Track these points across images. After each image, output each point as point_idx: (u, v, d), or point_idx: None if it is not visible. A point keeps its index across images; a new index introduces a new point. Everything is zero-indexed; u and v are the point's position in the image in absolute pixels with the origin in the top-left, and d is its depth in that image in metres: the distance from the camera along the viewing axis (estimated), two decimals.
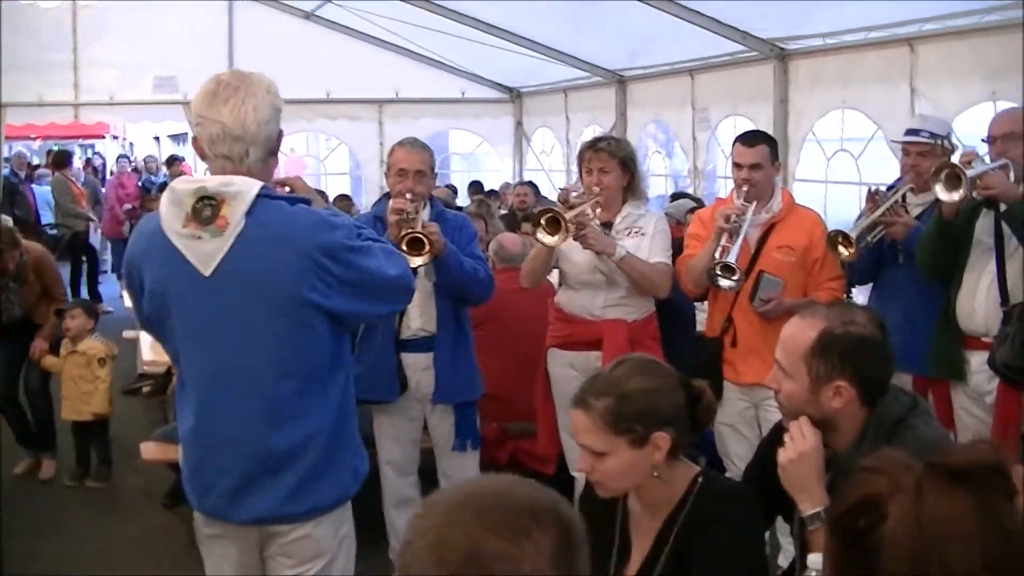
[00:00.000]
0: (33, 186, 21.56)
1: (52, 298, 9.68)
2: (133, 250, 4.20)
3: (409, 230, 5.93)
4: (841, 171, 11.35)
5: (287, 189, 4.32)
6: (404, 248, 5.80)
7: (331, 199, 14.88)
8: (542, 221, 6.25)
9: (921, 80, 9.56)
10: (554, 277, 7.32)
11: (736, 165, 6.49)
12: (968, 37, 9.09)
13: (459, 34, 14.67)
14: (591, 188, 6.50)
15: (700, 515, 3.54)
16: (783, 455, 3.55)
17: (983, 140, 6.11)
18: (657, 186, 16.08)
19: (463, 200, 16.63)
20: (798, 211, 6.70)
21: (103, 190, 21.22)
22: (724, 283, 6.28)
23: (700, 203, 10.44)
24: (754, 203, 6.37)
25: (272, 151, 4.06)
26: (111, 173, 25.82)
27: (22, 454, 9.81)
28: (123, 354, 10.45)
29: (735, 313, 6.49)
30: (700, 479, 3.62)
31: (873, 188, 6.67)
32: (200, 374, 4.09)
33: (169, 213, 3.94)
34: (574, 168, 8.81)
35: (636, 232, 6.60)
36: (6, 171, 18.94)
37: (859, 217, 6.69)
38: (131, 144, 35.42)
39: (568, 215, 6.19)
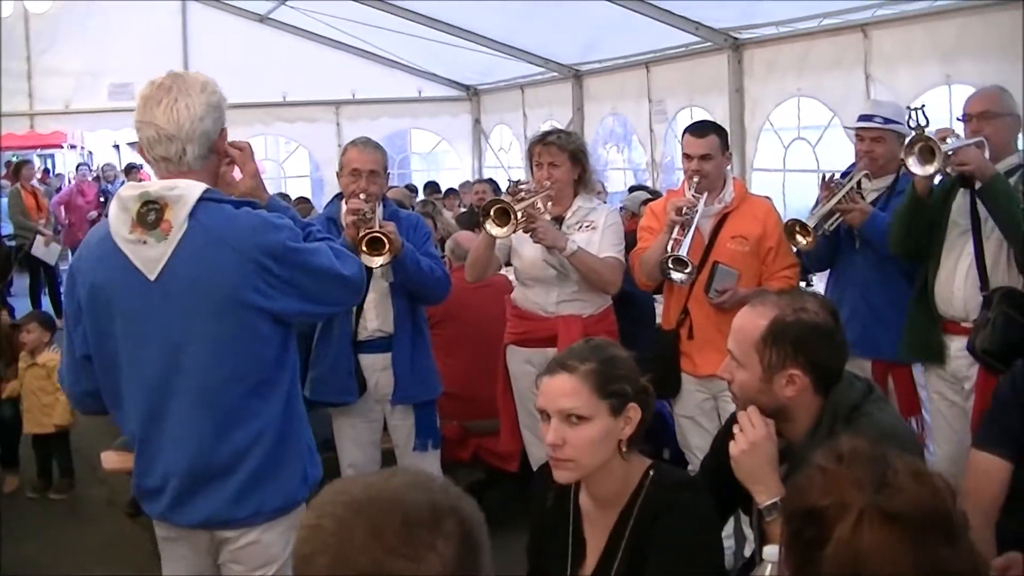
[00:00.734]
0: None
1: None
2: (80, 257, 4.16)
3: (368, 230, 5.86)
4: (799, 159, 11.32)
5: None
6: (364, 248, 5.77)
7: (292, 201, 14.81)
8: (491, 212, 6.15)
9: (876, 66, 9.54)
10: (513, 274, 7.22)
11: (686, 156, 6.43)
12: (921, 21, 9.06)
13: (415, 33, 14.60)
14: (542, 182, 6.41)
15: (653, 507, 3.47)
16: (734, 447, 3.51)
17: (958, 119, 6.05)
18: (616, 180, 16.10)
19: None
20: (750, 200, 6.67)
21: (52, 200, 20.84)
22: (676, 276, 6.23)
23: (656, 195, 10.38)
24: (705, 194, 6.32)
25: (213, 148, 4.01)
26: (69, 181, 25.52)
27: None
28: None
29: (691, 305, 6.43)
30: (652, 472, 3.55)
31: (827, 175, 6.59)
32: (145, 379, 4.01)
33: (117, 220, 3.91)
34: None
35: (587, 226, 6.51)
36: None
37: (815, 205, 6.61)
38: (90, 153, 35.12)
39: (518, 207, 6.08)
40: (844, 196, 6.32)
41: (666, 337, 6.57)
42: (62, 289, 7.02)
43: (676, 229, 6.22)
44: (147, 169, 20.27)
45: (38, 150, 32.04)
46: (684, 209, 6.22)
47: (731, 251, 6.35)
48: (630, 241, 6.84)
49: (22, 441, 9.64)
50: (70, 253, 19.65)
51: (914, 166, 5.66)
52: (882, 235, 6.24)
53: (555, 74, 15.47)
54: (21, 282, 18.15)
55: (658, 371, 6.29)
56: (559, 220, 6.48)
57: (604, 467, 3.48)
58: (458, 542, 1.88)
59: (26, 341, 9.33)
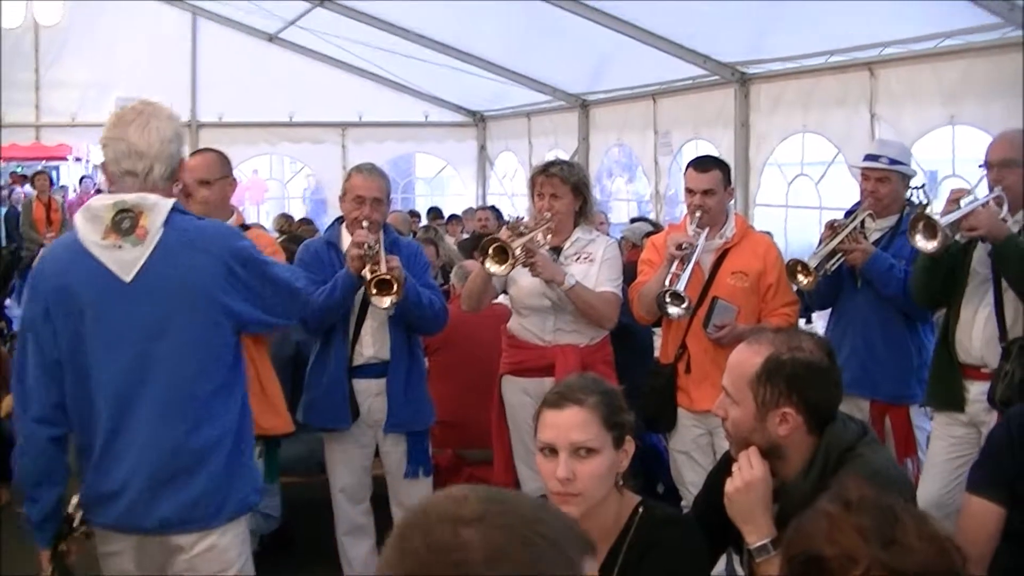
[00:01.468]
0: None
1: None
2: (43, 265, 4.28)
3: (376, 270, 5.88)
4: (801, 195, 11.31)
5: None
6: (373, 291, 5.86)
7: (294, 222, 14.78)
8: (489, 250, 6.12)
9: (881, 104, 9.56)
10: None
11: (689, 191, 6.39)
12: (927, 61, 9.11)
13: (423, 57, 14.60)
14: (542, 213, 6.36)
15: (643, 543, 3.43)
16: (730, 484, 3.47)
17: (980, 166, 5.93)
18: (620, 210, 16.06)
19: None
20: (751, 236, 6.62)
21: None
22: (673, 311, 6.16)
23: (658, 227, 10.38)
24: (707, 229, 6.29)
25: (174, 173, 4.20)
26: (73, 193, 25.48)
27: None
28: None
29: (689, 339, 6.37)
30: (641, 508, 3.52)
31: (832, 220, 6.57)
32: (113, 380, 4.09)
33: (86, 228, 4.05)
34: None
35: (585, 258, 6.45)
36: None
37: (818, 245, 6.58)
38: (95, 166, 35.06)
39: (516, 243, 6.06)
40: (847, 236, 6.30)
41: (663, 371, 6.51)
42: None
43: (675, 264, 6.19)
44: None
45: (43, 162, 32.01)
46: (684, 244, 6.18)
47: (730, 286, 6.30)
48: (630, 272, 6.81)
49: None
50: None
51: (919, 242, 5.65)
52: (883, 275, 6.24)
53: (562, 103, 15.47)
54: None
55: (654, 405, 6.39)
56: (557, 250, 6.44)
57: (602, 501, 3.44)
58: None
59: None
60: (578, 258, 6.43)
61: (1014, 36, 8.05)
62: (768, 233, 7.93)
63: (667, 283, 6.14)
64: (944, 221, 5.54)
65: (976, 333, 5.76)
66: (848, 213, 6.66)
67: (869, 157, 6.52)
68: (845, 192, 10.07)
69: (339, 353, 6.26)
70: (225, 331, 4.16)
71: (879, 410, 6.31)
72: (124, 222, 3.99)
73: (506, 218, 14.09)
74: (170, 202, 4.07)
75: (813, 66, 10.38)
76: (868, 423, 6.12)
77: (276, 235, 12.00)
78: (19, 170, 26.33)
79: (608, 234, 12.86)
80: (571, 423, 3.37)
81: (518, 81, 14.94)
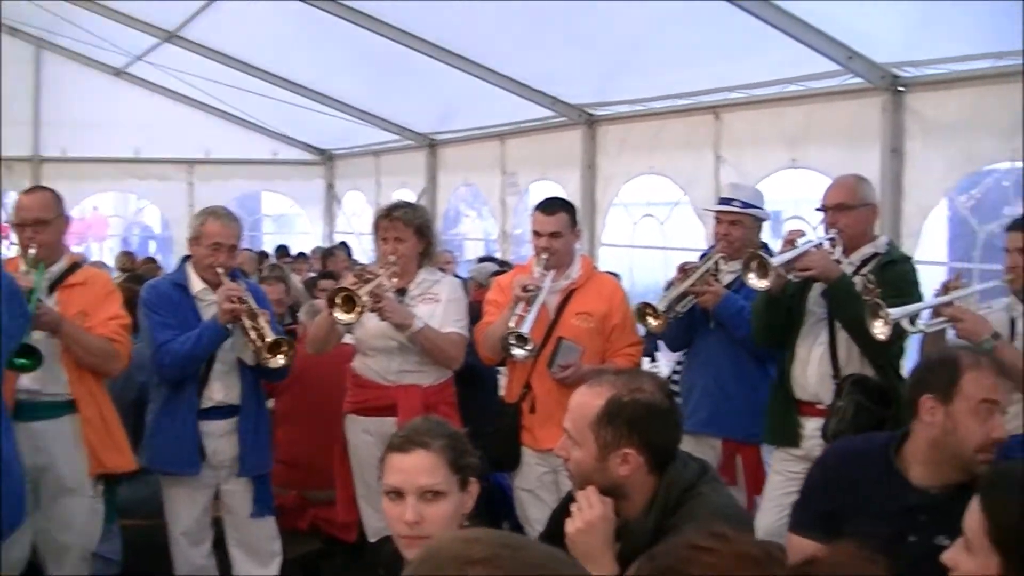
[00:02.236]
0: None
1: None
2: None
3: (258, 327, 6.02)
4: (647, 236, 11.32)
5: None
6: (268, 355, 6.02)
7: (137, 260, 14.40)
8: (336, 300, 6.07)
9: (725, 147, 9.65)
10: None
11: (536, 233, 6.39)
12: (770, 106, 9.23)
13: (271, 95, 14.40)
14: (387, 256, 6.35)
15: None
16: (570, 525, 3.46)
17: (816, 209, 6.08)
18: (469, 249, 15.98)
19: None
20: (597, 278, 6.66)
21: None
22: (517, 352, 6.16)
23: (505, 266, 10.31)
24: (553, 270, 6.30)
25: None
26: None
27: None
28: None
29: (533, 379, 6.35)
30: None
31: (685, 263, 6.62)
32: None
33: None
34: None
35: (431, 298, 6.45)
36: None
37: (668, 287, 6.60)
38: None
39: (363, 291, 6.02)
40: (699, 278, 6.35)
41: (508, 410, 6.47)
42: None
43: (520, 305, 6.17)
44: None
45: None
46: (530, 287, 6.15)
47: (575, 327, 6.30)
48: (476, 311, 6.77)
49: None
50: None
51: (753, 280, 5.74)
52: (734, 317, 6.29)
53: (410, 142, 15.37)
54: None
55: (499, 444, 6.33)
56: (403, 292, 6.41)
57: None
58: None
59: None
60: (423, 299, 6.43)
61: (853, 83, 8.22)
62: (615, 275, 7.91)
63: (512, 325, 6.12)
64: (778, 261, 5.64)
65: (811, 370, 5.87)
66: (703, 256, 6.70)
67: (722, 200, 6.58)
68: (690, 233, 10.14)
69: (190, 398, 6.20)
70: None
71: (731, 448, 6.38)
72: None
73: (355, 256, 14.01)
74: None
75: (659, 109, 10.42)
76: (719, 461, 6.22)
77: (118, 274, 11.67)
78: None
79: (456, 274, 12.90)
80: (418, 467, 3.35)
81: (367, 120, 14.81)
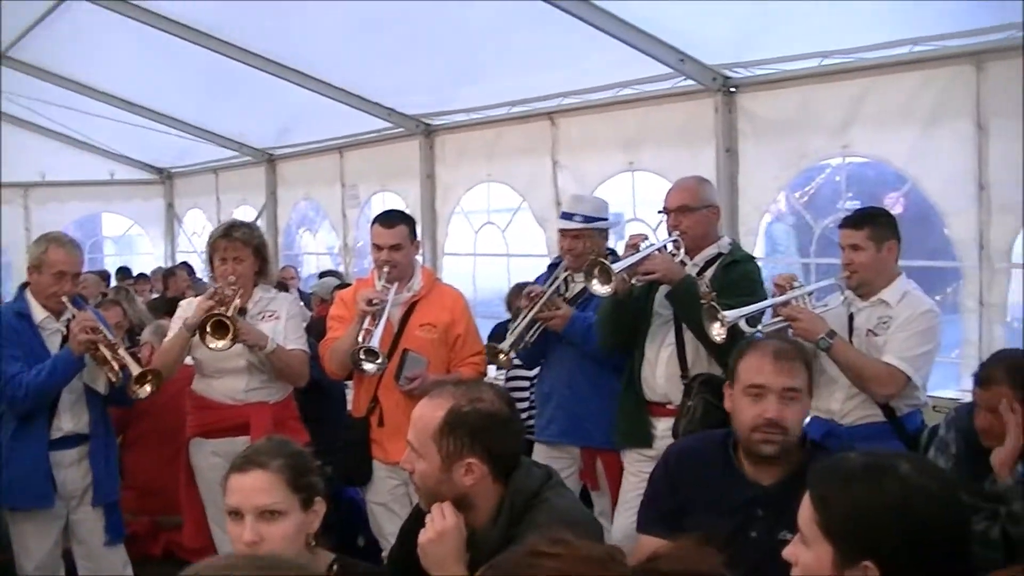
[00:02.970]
0: None
1: None
2: None
3: (119, 358, 5.89)
4: (489, 243, 11.22)
5: None
6: (136, 387, 5.89)
7: None
8: (208, 328, 6.01)
9: (563, 152, 9.63)
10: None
11: (376, 247, 6.29)
12: (605, 111, 9.20)
13: (107, 115, 13.91)
14: (226, 277, 6.23)
15: None
16: (423, 536, 3.44)
17: (659, 212, 6.05)
18: (310, 264, 15.70)
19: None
20: (439, 289, 6.62)
21: None
22: (368, 367, 6.05)
23: (346, 281, 10.10)
24: (395, 283, 6.20)
25: None
26: None
27: None
28: None
29: (380, 392, 6.24)
30: (335, 566, 3.48)
31: (530, 290, 6.47)
32: None
33: None
34: None
35: (270, 316, 6.39)
36: None
37: (516, 319, 6.48)
38: None
39: (229, 315, 6.00)
40: (544, 304, 6.27)
41: (357, 424, 6.36)
42: None
43: (367, 320, 6.06)
44: None
45: None
46: (374, 300, 6.05)
47: (420, 338, 6.24)
48: (320, 327, 6.71)
49: None
50: None
51: (595, 287, 5.66)
52: (584, 335, 6.23)
53: (249, 158, 15.05)
54: None
55: (349, 459, 6.25)
56: (242, 311, 6.28)
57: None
58: None
59: None
60: (263, 317, 6.39)
61: (686, 85, 8.23)
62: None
63: (360, 340, 6.03)
64: (621, 266, 5.59)
65: (659, 371, 5.85)
66: (550, 267, 6.66)
67: (565, 215, 6.47)
68: (531, 239, 10.05)
69: (39, 431, 6.02)
70: None
71: (590, 455, 6.35)
72: None
73: (199, 276, 13.62)
74: None
75: (496, 117, 10.37)
76: (580, 468, 6.22)
77: None
78: None
79: (299, 288, 12.63)
80: (255, 487, 3.32)
81: (204, 137, 14.45)
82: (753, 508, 3.86)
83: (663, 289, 5.73)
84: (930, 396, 5.87)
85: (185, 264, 14.91)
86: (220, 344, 6.00)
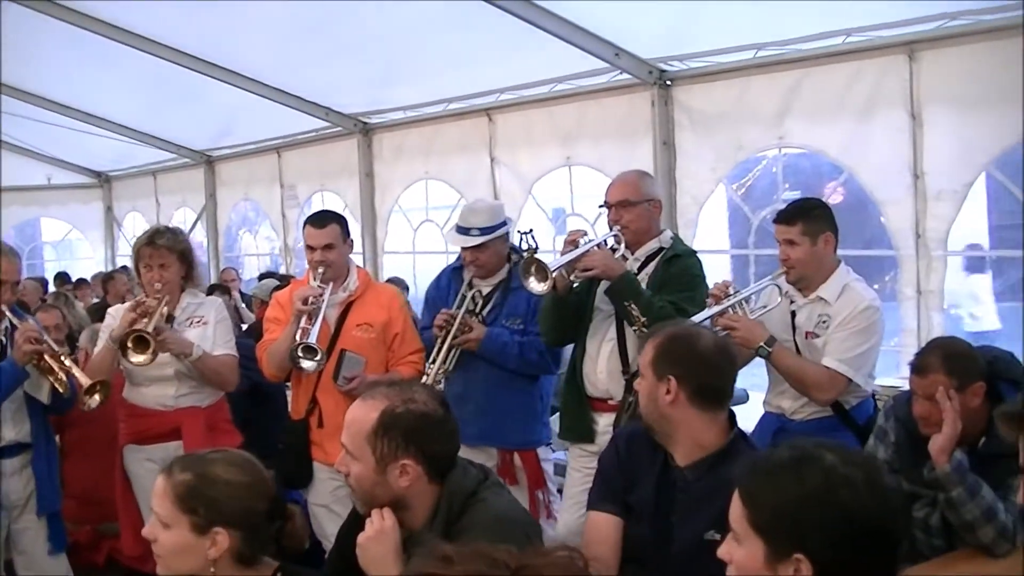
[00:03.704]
0: None
1: None
2: None
3: (65, 367, 5.79)
4: (428, 241, 11.14)
5: None
6: (86, 397, 5.78)
7: None
8: (129, 343, 5.93)
9: (500, 148, 9.60)
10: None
11: (309, 247, 6.25)
12: (542, 106, 9.18)
13: (42, 119, 13.69)
14: (152, 284, 6.16)
15: None
16: (362, 536, 3.42)
17: (599, 207, 5.99)
18: (251, 265, 15.57)
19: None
20: (375, 288, 6.63)
21: None
22: (306, 364, 5.99)
23: (288, 281, 10.03)
24: (331, 283, 6.15)
25: None
26: None
27: None
28: None
29: (319, 394, 6.19)
30: (279, 574, 3.38)
31: (441, 318, 6.29)
32: None
33: None
34: None
35: (198, 321, 6.30)
36: None
37: (434, 351, 6.34)
38: None
39: (150, 328, 5.92)
40: (458, 327, 6.20)
41: (296, 427, 6.29)
42: None
43: (304, 318, 6.01)
44: None
45: None
46: (310, 299, 6.00)
47: (357, 338, 6.20)
48: (259, 330, 6.67)
49: None
50: None
51: (532, 285, 5.58)
52: (500, 352, 6.20)
53: (187, 160, 14.90)
54: None
55: (290, 462, 6.16)
56: (170, 318, 6.21)
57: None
58: None
59: None
60: (191, 323, 6.30)
61: (622, 79, 8.21)
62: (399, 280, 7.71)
63: (298, 337, 5.97)
64: (560, 262, 5.53)
65: (601, 367, 5.79)
66: (454, 269, 6.61)
67: (460, 230, 6.35)
68: None
69: None
70: None
71: (507, 451, 6.30)
72: None
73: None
74: None
75: (433, 114, 10.34)
76: (497, 466, 6.15)
77: None
78: None
79: (241, 291, 12.49)
80: (156, 490, 3.30)
81: (142, 140, 14.30)
82: (675, 492, 3.87)
83: (604, 284, 5.68)
84: None
85: (125, 268, 14.68)
86: (141, 359, 5.92)
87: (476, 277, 6.35)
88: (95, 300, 13.20)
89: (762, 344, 5.16)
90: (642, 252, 5.76)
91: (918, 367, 4.42)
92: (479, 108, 9.69)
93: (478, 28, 8.12)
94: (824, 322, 5.30)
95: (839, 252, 5.43)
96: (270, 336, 6.28)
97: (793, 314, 5.43)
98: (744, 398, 7.38)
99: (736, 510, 2.54)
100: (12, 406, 5.88)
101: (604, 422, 5.77)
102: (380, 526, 3.40)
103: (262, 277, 11.86)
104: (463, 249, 6.35)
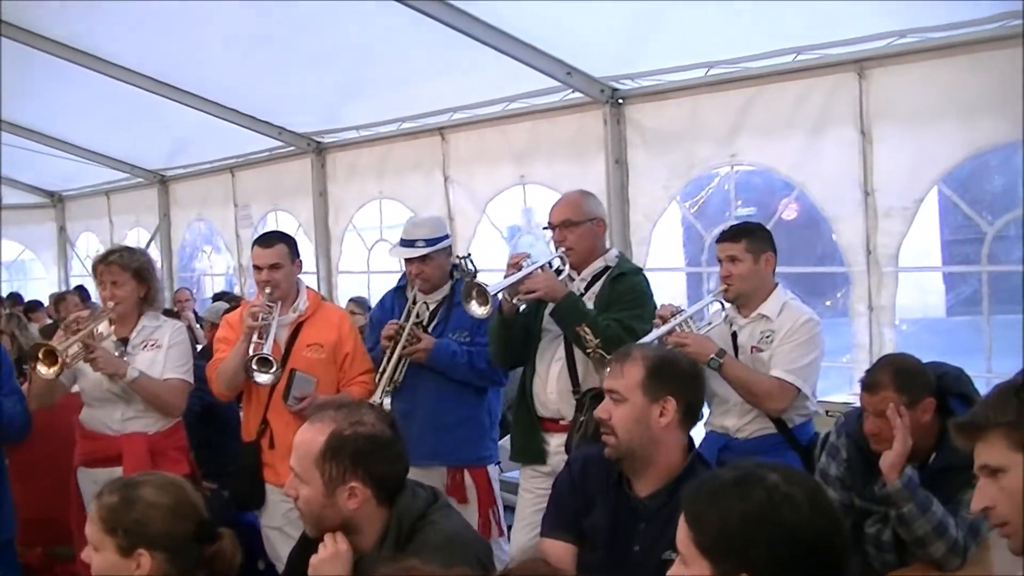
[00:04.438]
0: None
1: None
2: None
3: None
4: (383, 261, 11.09)
5: None
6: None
7: None
8: (39, 354, 5.82)
9: (454, 167, 9.59)
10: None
11: (256, 268, 6.24)
12: (495, 125, 9.18)
13: None
14: (106, 302, 6.12)
15: None
16: (315, 558, 3.45)
17: (544, 228, 6.03)
18: (208, 286, 15.47)
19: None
20: (325, 308, 6.56)
21: None
22: (262, 378, 5.97)
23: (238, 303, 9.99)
24: (280, 303, 6.13)
25: None
26: None
27: None
28: None
29: (270, 415, 6.17)
30: None
31: (389, 330, 6.30)
32: None
33: None
34: None
35: (152, 344, 6.18)
36: None
37: (382, 363, 6.32)
38: None
39: (69, 342, 5.80)
40: (406, 340, 6.18)
41: (248, 449, 6.25)
42: None
43: (254, 335, 5.98)
44: None
45: None
46: (261, 315, 5.99)
47: (308, 359, 6.17)
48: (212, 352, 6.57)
49: None
50: None
51: (474, 308, 5.61)
52: (448, 362, 6.20)
53: (141, 179, 14.78)
54: None
55: (242, 483, 6.17)
56: (125, 341, 6.13)
57: None
58: None
59: None
60: (145, 346, 6.19)
61: (574, 98, 8.25)
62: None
63: (251, 351, 5.96)
64: (502, 285, 5.57)
65: (551, 387, 5.80)
66: (398, 288, 6.63)
67: (404, 243, 6.38)
68: None
69: None
70: None
71: (457, 469, 6.29)
72: None
73: (95, 300, 13.30)
74: None
75: (386, 133, 10.31)
76: (447, 484, 6.15)
77: None
78: None
79: (195, 311, 12.41)
80: (90, 517, 3.33)
81: (95, 159, 14.14)
82: (636, 522, 3.86)
83: (551, 306, 5.68)
84: (822, 401, 5.93)
85: (81, 288, 14.58)
86: (47, 372, 5.78)
87: (421, 291, 6.32)
88: (49, 321, 13.07)
89: (713, 356, 5.21)
90: (588, 272, 5.78)
91: (868, 384, 4.44)
92: (432, 127, 9.68)
93: (430, 47, 8.09)
94: (768, 337, 5.37)
95: (791, 269, 5.49)
96: (219, 356, 6.22)
97: (735, 335, 5.48)
98: None
99: (682, 532, 2.54)
100: None
101: (555, 442, 5.75)
102: (334, 549, 3.40)
103: (215, 298, 11.80)
104: (408, 263, 6.34)
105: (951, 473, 4.22)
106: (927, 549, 4.21)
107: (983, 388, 4.80)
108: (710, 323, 5.54)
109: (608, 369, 4.04)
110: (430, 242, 6.26)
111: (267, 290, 6.08)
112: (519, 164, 8.94)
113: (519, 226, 9.82)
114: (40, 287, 17.46)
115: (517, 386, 6.07)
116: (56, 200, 17.59)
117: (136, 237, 15.13)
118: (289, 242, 6.30)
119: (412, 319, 6.25)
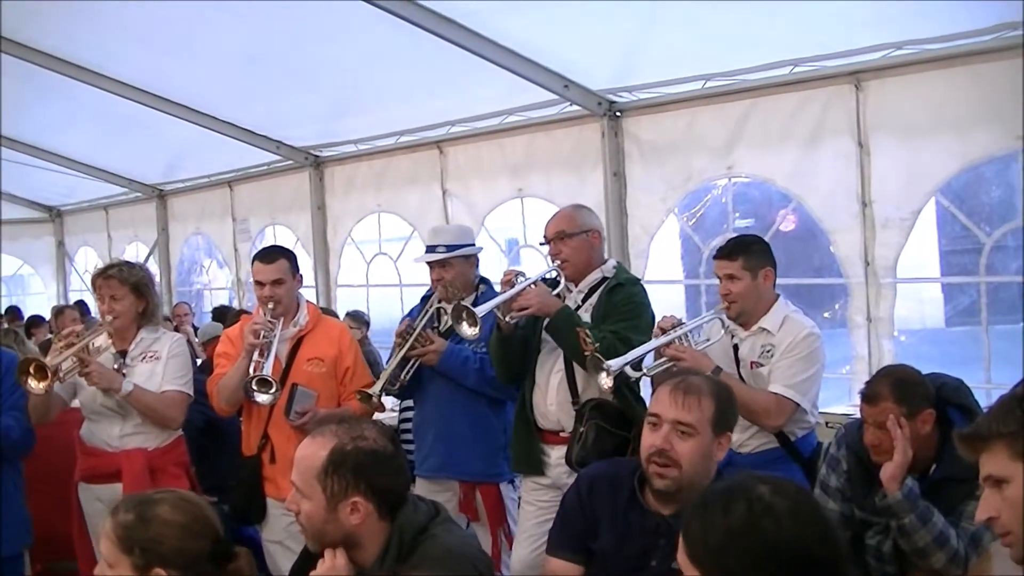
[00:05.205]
0: None
1: None
2: None
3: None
4: (381, 274, 11.10)
5: None
6: None
7: None
8: (30, 370, 5.75)
9: (452, 180, 9.58)
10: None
11: (258, 283, 6.18)
12: (493, 138, 9.17)
13: None
14: (104, 316, 6.07)
15: None
16: (314, 573, 3.44)
17: (540, 243, 6.03)
18: (208, 300, 15.46)
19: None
20: (325, 322, 6.48)
21: None
22: (261, 398, 5.93)
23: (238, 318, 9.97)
24: (281, 319, 6.09)
25: None
26: None
27: None
28: None
29: (271, 429, 6.11)
30: None
31: (402, 326, 6.32)
32: None
33: None
34: None
35: (151, 357, 6.12)
36: None
37: (389, 359, 6.39)
38: None
39: (61, 357, 5.79)
40: (416, 339, 6.15)
41: (248, 463, 6.21)
42: None
43: (255, 353, 5.94)
44: None
45: None
46: (262, 333, 5.94)
47: (308, 373, 6.12)
48: (212, 367, 6.51)
49: None
50: None
51: (465, 330, 5.60)
52: (460, 368, 6.16)
53: (139, 194, 14.80)
54: None
55: (243, 498, 6.10)
56: (124, 354, 6.09)
57: None
58: None
59: None
60: (144, 358, 6.12)
61: (571, 111, 8.26)
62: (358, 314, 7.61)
63: (251, 371, 5.90)
64: (490, 305, 5.59)
65: (550, 398, 5.77)
66: (424, 298, 6.52)
67: (429, 249, 6.39)
68: (423, 269, 9.96)
69: None
70: None
71: (469, 487, 6.22)
72: None
73: (94, 315, 13.29)
74: None
75: (384, 147, 10.32)
76: (459, 501, 6.09)
77: None
78: None
79: (194, 324, 12.39)
80: (102, 532, 3.24)
81: (93, 174, 14.16)
82: (656, 537, 3.81)
83: (547, 320, 5.68)
84: (822, 412, 5.90)
85: (81, 303, 14.56)
86: (37, 387, 5.75)
87: (441, 298, 6.28)
88: (50, 336, 13.05)
89: (709, 373, 5.14)
90: (585, 284, 5.77)
91: (868, 396, 4.42)
92: (430, 140, 9.68)
93: (428, 61, 8.10)
94: (768, 351, 5.33)
95: (790, 280, 5.46)
96: (220, 371, 6.18)
97: (736, 348, 5.45)
98: None
99: (680, 545, 2.55)
100: None
101: (555, 454, 5.72)
102: (332, 564, 3.39)
103: (215, 312, 11.78)
104: (430, 269, 6.34)
105: (951, 484, 4.21)
106: (928, 560, 4.19)
107: (982, 399, 4.81)
108: (708, 339, 5.51)
109: (676, 399, 3.82)
110: (450, 248, 6.25)
111: (270, 306, 6.05)
112: (517, 177, 8.95)
113: (516, 239, 9.82)
114: (39, 302, 17.48)
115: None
116: (54, 215, 17.61)
117: (134, 251, 15.13)
118: (290, 257, 6.27)
119: (427, 321, 6.23)
